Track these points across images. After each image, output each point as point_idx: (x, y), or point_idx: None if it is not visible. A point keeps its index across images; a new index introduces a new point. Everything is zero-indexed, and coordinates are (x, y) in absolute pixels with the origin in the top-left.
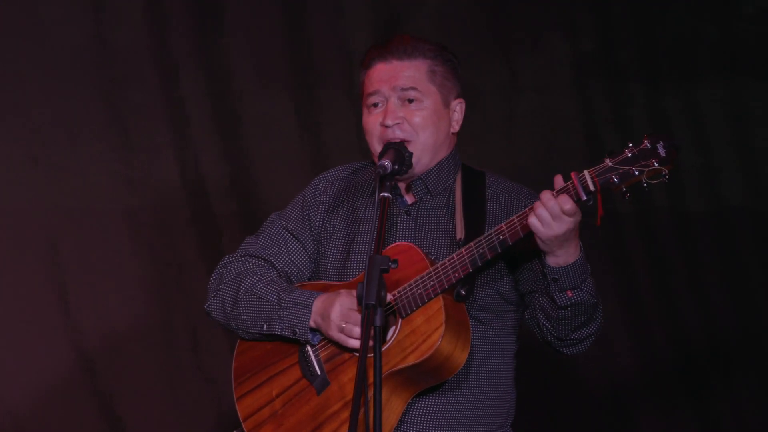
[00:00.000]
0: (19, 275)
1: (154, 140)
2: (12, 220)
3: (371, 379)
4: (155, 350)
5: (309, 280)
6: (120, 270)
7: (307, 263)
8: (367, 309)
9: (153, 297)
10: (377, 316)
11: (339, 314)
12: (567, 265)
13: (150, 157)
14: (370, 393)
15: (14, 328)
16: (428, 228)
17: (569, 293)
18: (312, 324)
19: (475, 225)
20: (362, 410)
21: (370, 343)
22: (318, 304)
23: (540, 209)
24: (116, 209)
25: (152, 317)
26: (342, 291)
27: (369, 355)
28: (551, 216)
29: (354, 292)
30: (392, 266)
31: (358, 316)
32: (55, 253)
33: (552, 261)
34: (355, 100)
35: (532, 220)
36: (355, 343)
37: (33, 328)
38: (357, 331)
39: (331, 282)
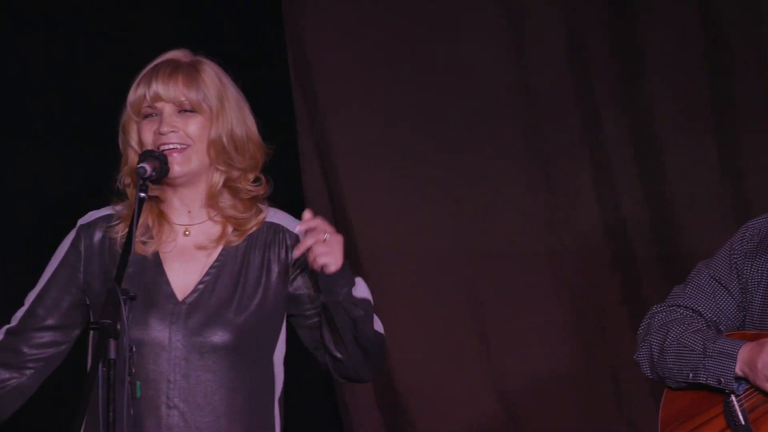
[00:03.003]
0: (442, 317)
1: (575, 183)
2: (435, 261)
3: None
4: (576, 394)
5: (738, 329)
6: (541, 313)
7: (735, 312)
8: None
9: (574, 340)
10: None
11: (766, 364)
12: None
13: (571, 199)
14: None
15: (437, 369)
16: None
17: None
18: (738, 373)
19: None
20: None
21: None
22: (744, 353)
23: None
24: (537, 251)
25: (573, 361)
26: None
27: None
28: None
29: None
30: None
31: None
32: (477, 295)
33: None
34: None
35: None
36: None
37: (455, 369)
38: None
39: (761, 331)
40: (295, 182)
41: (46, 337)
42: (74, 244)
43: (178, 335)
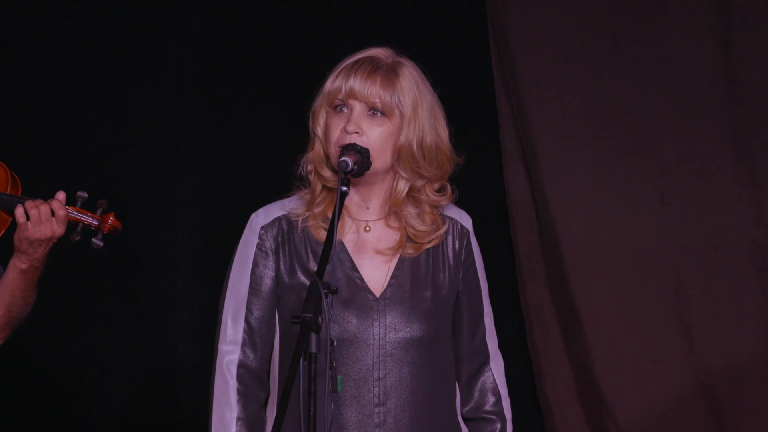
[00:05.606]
0: (644, 312)
1: None
2: (638, 256)
3: None
4: None
5: None
6: (745, 309)
7: None
8: None
9: None
10: None
11: None
12: None
13: None
14: None
15: (640, 364)
16: None
17: None
18: None
19: None
20: None
21: None
22: None
23: None
24: (743, 248)
25: None
26: None
27: None
28: None
29: None
30: None
31: None
32: (680, 290)
33: None
34: None
35: None
36: None
37: (658, 365)
38: None
39: None
40: (497, 177)
41: (270, 346)
42: (259, 247)
43: (381, 332)
